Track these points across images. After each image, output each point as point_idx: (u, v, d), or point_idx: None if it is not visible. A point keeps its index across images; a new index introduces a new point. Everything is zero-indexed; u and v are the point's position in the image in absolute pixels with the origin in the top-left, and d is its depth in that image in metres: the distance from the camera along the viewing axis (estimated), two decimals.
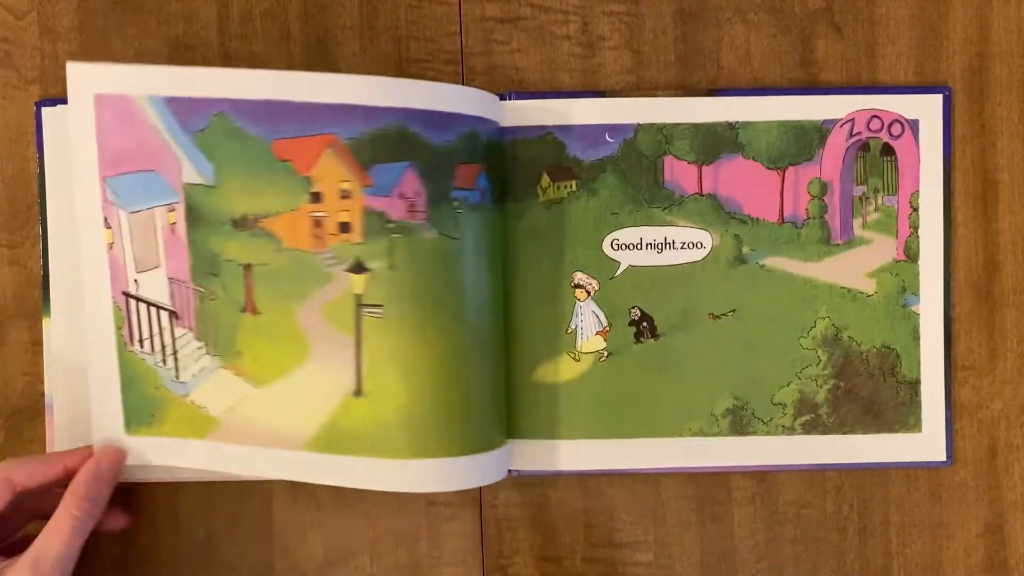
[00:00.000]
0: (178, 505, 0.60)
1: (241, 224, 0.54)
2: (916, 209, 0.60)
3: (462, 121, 0.55)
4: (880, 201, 0.61)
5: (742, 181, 0.60)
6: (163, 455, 0.56)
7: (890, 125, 0.60)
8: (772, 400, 0.60)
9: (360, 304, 0.54)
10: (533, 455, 0.60)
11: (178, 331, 0.56)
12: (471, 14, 0.61)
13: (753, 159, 0.60)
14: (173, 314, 0.56)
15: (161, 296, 0.55)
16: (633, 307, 0.60)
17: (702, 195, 0.60)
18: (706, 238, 0.60)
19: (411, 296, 0.54)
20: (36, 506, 0.55)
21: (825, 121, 0.60)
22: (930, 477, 0.61)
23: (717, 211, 0.60)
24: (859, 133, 0.60)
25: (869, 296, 0.60)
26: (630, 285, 0.60)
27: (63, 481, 0.53)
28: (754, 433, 0.60)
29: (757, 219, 0.60)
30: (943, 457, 0.61)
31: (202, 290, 0.55)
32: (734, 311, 0.60)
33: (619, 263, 0.60)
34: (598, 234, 0.60)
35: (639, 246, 0.60)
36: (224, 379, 0.55)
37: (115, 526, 0.57)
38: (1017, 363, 0.61)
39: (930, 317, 0.60)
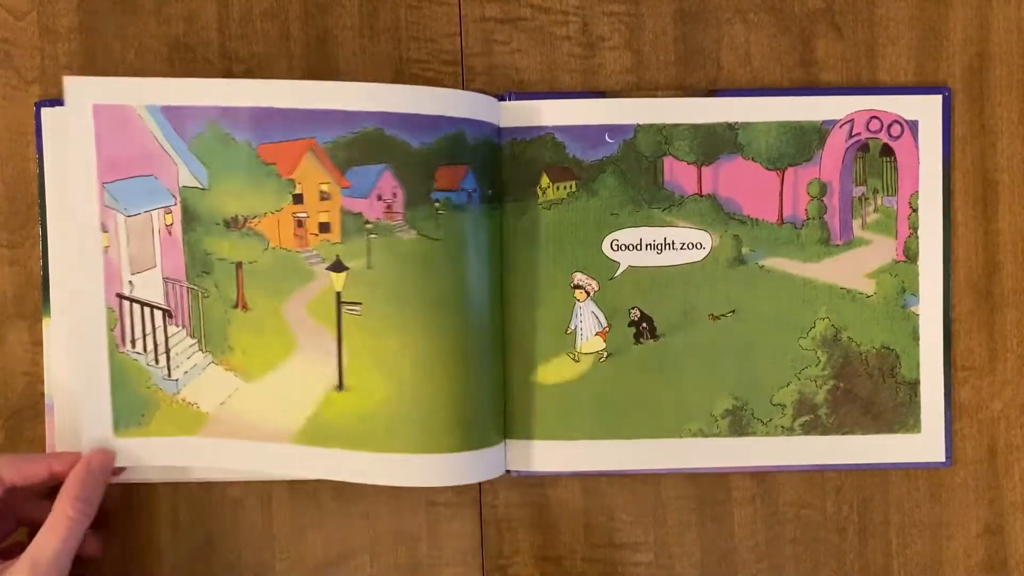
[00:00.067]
0: (178, 505, 0.60)
1: (232, 224, 0.57)
2: (915, 210, 0.60)
3: (445, 123, 0.56)
4: (879, 202, 0.61)
5: (742, 182, 0.60)
6: (153, 455, 0.57)
7: (889, 126, 0.60)
8: (772, 401, 0.60)
9: (340, 301, 0.56)
10: (533, 455, 0.60)
11: (171, 329, 0.57)
12: (471, 14, 0.61)
13: (753, 160, 0.60)
14: (167, 313, 0.57)
15: (156, 296, 0.57)
16: (633, 308, 0.60)
17: (702, 196, 0.60)
18: (706, 239, 0.60)
19: (389, 295, 0.56)
20: (25, 512, 0.56)
21: (825, 122, 0.60)
22: (930, 477, 0.61)
23: (717, 212, 0.60)
24: (858, 134, 0.60)
25: (868, 297, 0.60)
26: (630, 286, 0.60)
27: (48, 483, 0.54)
28: (753, 434, 0.60)
29: (757, 220, 0.60)
30: (942, 458, 0.61)
31: (196, 288, 0.57)
32: (734, 312, 0.60)
33: (619, 264, 0.60)
34: (598, 234, 0.60)
35: (639, 247, 0.60)
36: (215, 374, 0.57)
37: (87, 551, 0.57)
38: (1017, 363, 0.61)
39: (929, 318, 0.60)
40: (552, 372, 0.60)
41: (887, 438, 0.60)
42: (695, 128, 0.60)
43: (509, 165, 0.60)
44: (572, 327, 0.60)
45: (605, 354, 0.60)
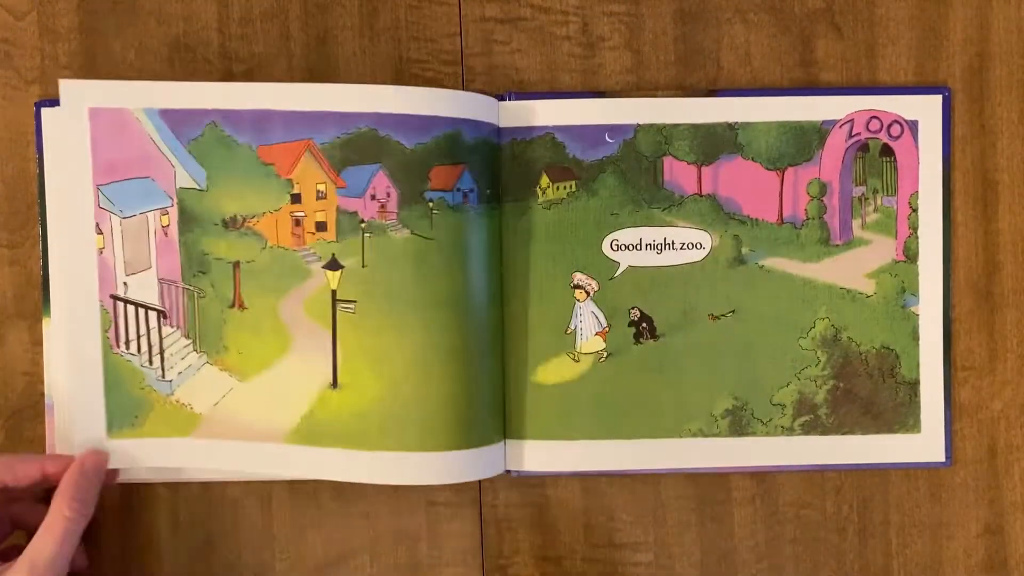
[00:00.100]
0: (178, 505, 0.60)
1: (231, 224, 0.58)
2: (915, 210, 0.60)
3: (440, 124, 0.56)
4: (879, 202, 0.61)
5: (741, 182, 0.60)
6: (146, 456, 0.57)
7: (889, 126, 0.60)
8: (771, 401, 0.60)
9: (335, 299, 0.57)
10: (533, 455, 0.60)
11: (166, 330, 0.58)
12: (471, 14, 0.61)
13: (753, 160, 0.60)
14: (161, 314, 0.58)
15: (151, 297, 0.58)
16: (633, 308, 0.60)
17: (701, 196, 0.60)
18: (705, 239, 0.60)
19: (383, 293, 0.57)
20: (20, 516, 0.56)
21: (824, 122, 0.60)
22: (930, 477, 0.61)
23: (716, 212, 0.60)
24: (858, 134, 0.60)
25: (868, 297, 0.60)
26: (630, 286, 0.60)
27: (42, 484, 0.54)
28: (753, 434, 0.60)
29: (756, 220, 0.60)
30: (942, 458, 0.61)
31: (192, 288, 0.58)
32: (733, 312, 0.60)
33: (619, 263, 0.60)
34: (598, 234, 0.60)
35: (639, 247, 0.60)
36: (210, 375, 0.58)
37: (75, 566, 0.56)
38: (1017, 363, 0.61)
39: (929, 318, 0.60)
40: (552, 372, 0.60)
41: (887, 438, 0.60)
42: (695, 128, 0.60)
43: (509, 165, 0.60)
44: (572, 327, 0.60)
45: (605, 354, 0.60)
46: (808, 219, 0.60)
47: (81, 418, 0.57)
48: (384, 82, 0.60)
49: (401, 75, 0.61)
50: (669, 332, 0.60)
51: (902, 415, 0.61)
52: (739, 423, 0.60)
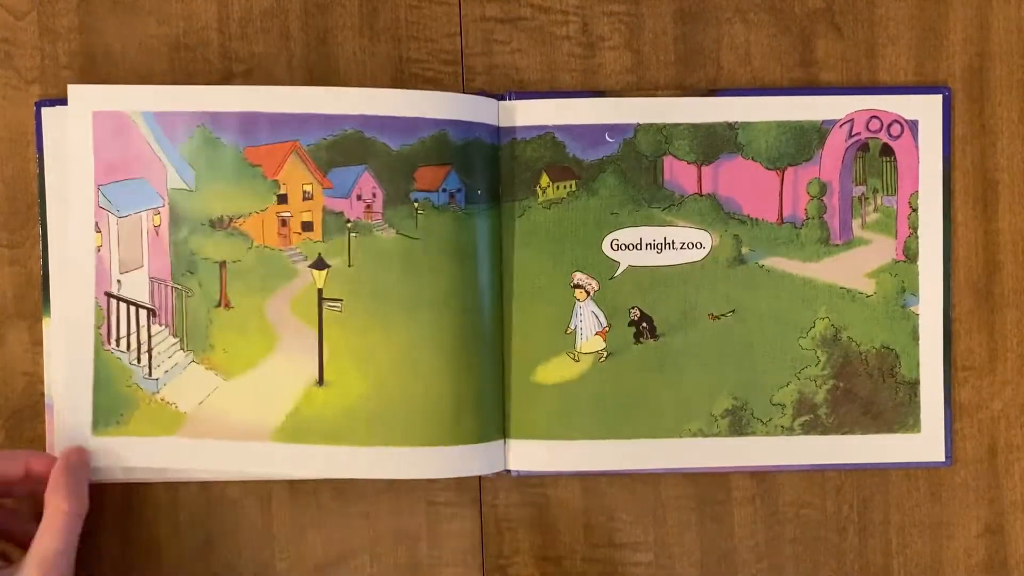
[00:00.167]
0: (178, 505, 0.60)
1: (218, 224, 0.59)
2: (915, 209, 0.60)
3: (425, 125, 0.57)
4: (879, 201, 0.61)
5: (741, 181, 0.60)
6: (130, 455, 0.58)
7: (889, 125, 0.60)
8: (771, 400, 0.60)
9: (322, 298, 0.58)
10: (533, 455, 0.60)
11: (154, 328, 0.59)
12: (471, 14, 0.61)
13: (752, 159, 0.60)
14: (151, 312, 0.59)
15: (141, 295, 0.59)
16: (633, 307, 0.60)
17: (702, 195, 0.60)
18: (705, 238, 0.60)
19: (368, 292, 0.58)
20: (3, 522, 0.56)
21: (824, 121, 0.60)
22: (930, 477, 0.61)
23: (716, 211, 0.60)
24: (858, 133, 0.60)
25: (868, 296, 0.60)
26: (630, 285, 0.60)
27: (24, 483, 0.54)
28: (753, 433, 0.60)
29: (756, 219, 0.60)
30: (942, 458, 0.61)
31: (180, 287, 0.59)
32: (733, 311, 0.60)
33: (619, 263, 0.60)
34: (598, 234, 0.60)
35: (639, 246, 0.60)
36: (195, 373, 0.58)
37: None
38: (1017, 363, 0.61)
39: (929, 317, 0.60)
40: (552, 372, 0.60)
41: (887, 438, 0.60)
42: (695, 128, 0.60)
43: (509, 165, 0.60)
44: (572, 327, 0.60)
45: (605, 354, 0.60)
46: (808, 219, 0.60)
47: (69, 415, 0.58)
48: (384, 82, 0.60)
49: (401, 75, 0.61)
50: (669, 332, 0.60)
51: (902, 415, 0.61)
52: (739, 423, 0.60)
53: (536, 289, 0.60)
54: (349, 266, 0.58)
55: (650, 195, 0.60)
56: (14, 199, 0.60)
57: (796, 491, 0.61)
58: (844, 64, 0.61)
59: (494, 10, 0.61)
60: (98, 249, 0.58)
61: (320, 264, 0.58)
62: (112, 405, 0.58)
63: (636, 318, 0.60)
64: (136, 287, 0.59)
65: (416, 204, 0.58)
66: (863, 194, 0.61)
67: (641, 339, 0.60)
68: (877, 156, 0.61)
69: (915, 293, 0.60)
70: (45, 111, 0.59)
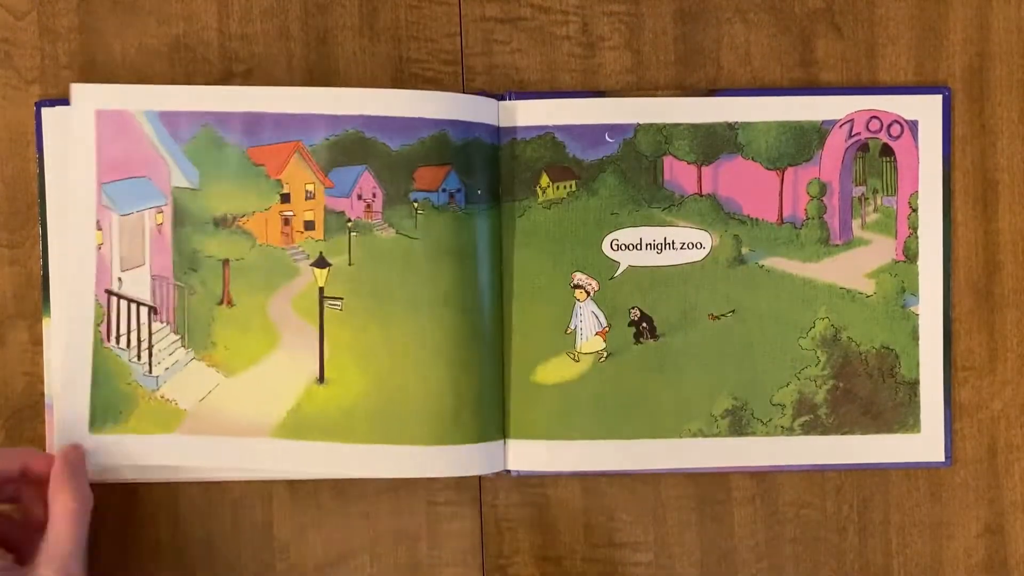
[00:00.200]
0: (178, 505, 0.60)
1: (222, 223, 0.59)
2: (915, 210, 0.60)
3: (425, 125, 0.58)
4: (879, 202, 0.61)
5: (741, 181, 0.60)
6: (129, 452, 0.58)
7: (889, 126, 0.60)
8: (771, 400, 0.60)
9: (323, 296, 0.59)
10: (533, 455, 0.60)
11: (155, 326, 0.59)
12: (471, 14, 0.61)
13: (752, 159, 0.60)
14: (152, 309, 0.59)
15: (143, 293, 0.59)
16: (633, 307, 0.60)
17: (702, 195, 0.60)
18: (705, 238, 0.60)
19: (369, 290, 0.58)
20: (13, 537, 0.56)
21: (824, 122, 0.60)
22: (930, 477, 0.61)
23: (716, 211, 0.60)
24: (858, 134, 0.60)
25: (868, 296, 0.60)
26: (630, 285, 0.60)
27: (20, 482, 0.54)
28: (753, 433, 0.60)
29: (756, 219, 0.60)
30: (942, 458, 0.61)
31: (182, 285, 0.59)
32: (733, 311, 0.60)
33: (619, 263, 0.60)
34: (598, 234, 0.60)
35: (639, 246, 0.60)
36: (196, 370, 0.59)
37: None
38: (1017, 363, 0.61)
39: (929, 317, 0.60)
40: (552, 372, 0.60)
41: (887, 438, 0.60)
42: (695, 128, 0.60)
43: (509, 165, 0.60)
44: (572, 327, 0.60)
45: (605, 354, 0.60)
46: (808, 219, 0.60)
47: (67, 412, 0.58)
48: (384, 82, 0.60)
49: (401, 75, 0.61)
50: (669, 332, 0.60)
51: (902, 415, 0.61)
52: (739, 423, 0.60)
53: (536, 289, 0.60)
54: (350, 265, 0.58)
55: (650, 195, 0.60)
56: (14, 199, 0.60)
57: (796, 491, 0.61)
58: (844, 64, 0.61)
59: (494, 10, 0.61)
60: (99, 247, 0.58)
61: (321, 263, 0.59)
62: (111, 402, 0.58)
63: (636, 318, 0.60)
64: (137, 285, 0.59)
65: (416, 204, 0.58)
66: (863, 194, 0.61)
67: (641, 339, 0.60)
68: (877, 156, 0.61)
69: (915, 293, 0.60)
70: (45, 111, 0.59)
